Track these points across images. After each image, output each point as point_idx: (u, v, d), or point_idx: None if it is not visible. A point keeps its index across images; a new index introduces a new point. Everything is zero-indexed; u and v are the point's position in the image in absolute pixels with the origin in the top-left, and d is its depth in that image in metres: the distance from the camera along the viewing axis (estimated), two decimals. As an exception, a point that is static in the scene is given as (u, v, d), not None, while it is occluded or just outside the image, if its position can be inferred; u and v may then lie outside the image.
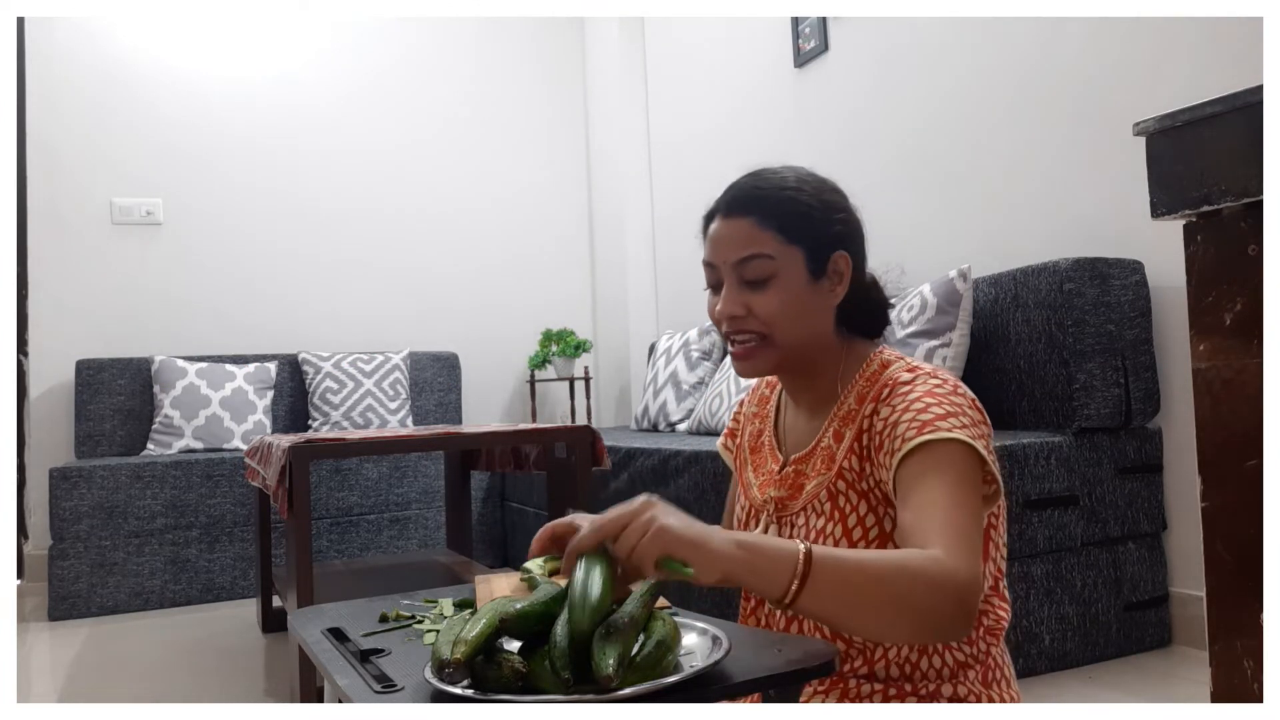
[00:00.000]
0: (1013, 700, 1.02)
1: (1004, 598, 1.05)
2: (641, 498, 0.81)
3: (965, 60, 2.89)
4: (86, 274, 4.04)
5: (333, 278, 4.48)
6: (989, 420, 0.99)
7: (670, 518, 0.78)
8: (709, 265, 1.06)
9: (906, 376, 0.99)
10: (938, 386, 0.96)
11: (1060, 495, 2.16)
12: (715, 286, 1.06)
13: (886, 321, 1.11)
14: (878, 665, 0.99)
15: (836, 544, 0.98)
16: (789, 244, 1.01)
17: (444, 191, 4.72)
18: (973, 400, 0.97)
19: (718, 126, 4.16)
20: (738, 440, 1.22)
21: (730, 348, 1.05)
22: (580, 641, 0.74)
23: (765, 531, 1.06)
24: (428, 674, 0.77)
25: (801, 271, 1.02)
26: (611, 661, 0.71)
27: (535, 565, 1.02)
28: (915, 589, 0.79)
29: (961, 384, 0.99)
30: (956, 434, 0.90)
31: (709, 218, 1.08)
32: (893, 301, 1.13)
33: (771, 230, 1.01)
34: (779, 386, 1.18)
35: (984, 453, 0.92)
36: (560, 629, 0.76)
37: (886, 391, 0.99)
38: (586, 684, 0.72)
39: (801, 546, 0.79)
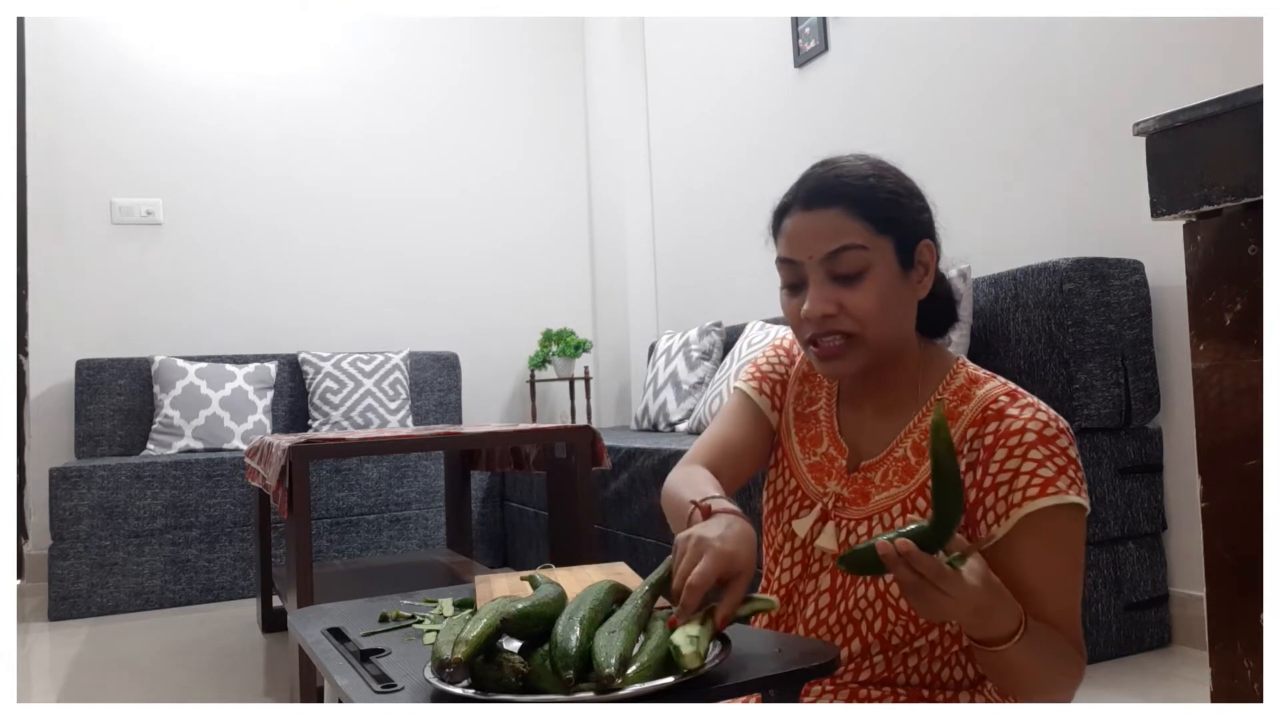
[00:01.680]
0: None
1: None
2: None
3: (965, 60, 2.89)
4: (86, 274, 4.04)
5: (333, 278, 4.48)
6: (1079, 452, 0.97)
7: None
8: (788, 263, 0.99)
9: (1011, 406, 0.94)
10: (1045, 428, 0.92)
11: (1060, 495, 2.16)
12: (794, 286, 0.99)
13: (956, 318, 1.06)
14: (897, 672, 0.98)
15: None
16: (879, 234, 0.95)
17: (444, 192, 4.72)
18: (1070, 437, 0.94)
19: (718, 126, 4.16)
20: (781, 396, 1.12)
21: (814, 348, 0.98)
22: (581, 641, 0.74)
23: (820, 526, 1.01)
24: (428, 673, 0.77)
25: (893, 263, 0.96)
26: (613, 661, 0.71)
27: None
28: (1070, 677, 0.91)
29: (1060, 418, 0.95)
30: (1074, 498, 0.90)
31: (781, 213, 1.01)
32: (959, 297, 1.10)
33: (861, 220, 0.95)
34: None
35: (1088, 506, 0.93)
36: (561, 629, 0.76)
37: (994, 423, 0.94)
38: (587, 683, 0.72)
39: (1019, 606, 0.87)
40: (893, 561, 0.78)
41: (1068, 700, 0.92)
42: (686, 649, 0.75)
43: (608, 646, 0.73)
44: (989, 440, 0.93)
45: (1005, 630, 0.85)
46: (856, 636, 0.99)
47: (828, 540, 1.00)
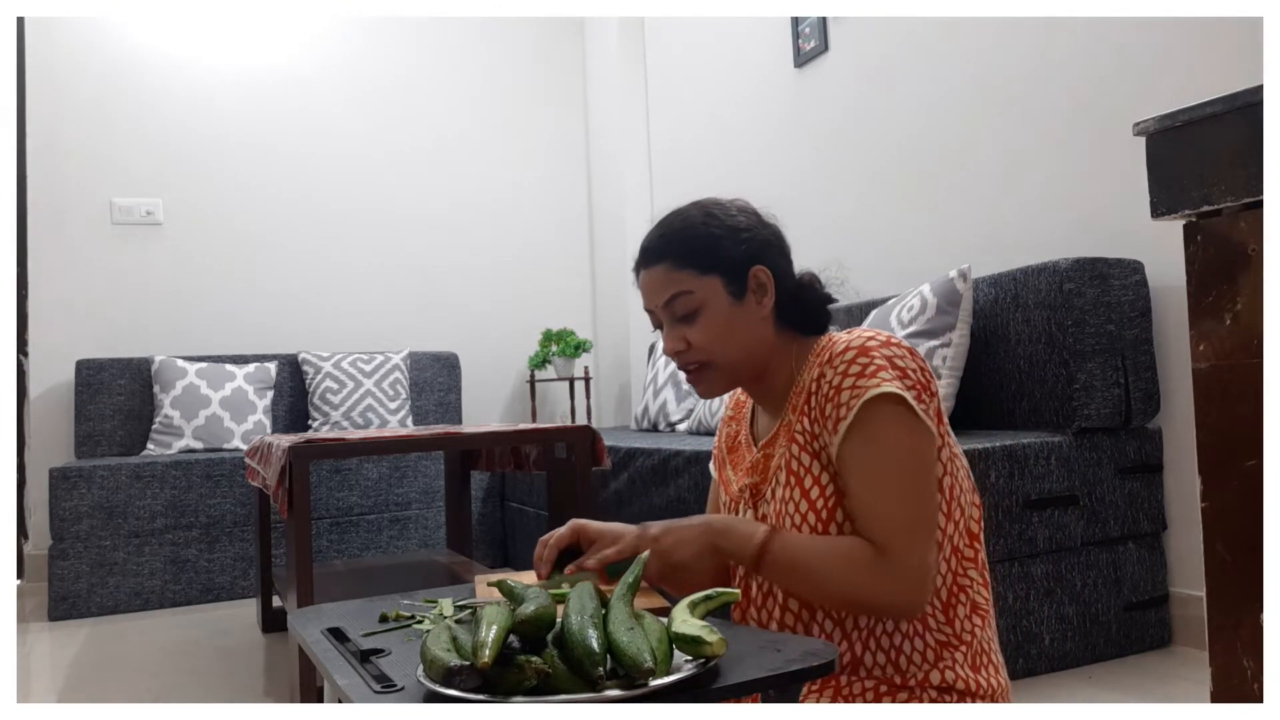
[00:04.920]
0: (1001, 686, 1.03)
1: (982, 571, 1.06)
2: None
3: (965, 60, 2.89)
4: (86, 274, 4.04)
5: (333, 278, 4.48)
6: (928, 369, 1.04)
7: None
8: (648, 310, 1.16)
9: (844, 337, 1.05)
10: (868, 342, 1.02)
11: (1060, 495, 2.16)
12: (658, 327, 1.16)
13: (828, 315, 1.16)
14: (862, 655, 1.01)
15: (797, 506, 1.03)
16: (704, 275, 1.09)
17: (444, 191, 4.72)
18: (905, 350, 1.02)
19: (718, 126, 4.16)
20: (719, 448, 1.28)
21: (685, 375, 1.15)
22: (602, 640, 0.75)
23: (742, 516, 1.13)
24: (421, 677, 0.77)
25: (723, 296, 1.10)
26: (647, 655, 0.73)
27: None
28: (859, 586, 0.96)
29: (894, 336, 1.04)
30: (886, 387, 0.97)
31: (635, 270, 1.16)
32: (836, 297, 1.17)
33: (687, 268, 1.10)
34: None
35: (913, 403, 0.98)
36: (578, 628, 0.76)
37: (825, 354, 1.05)
38: (614, 680, 0.73)
39: (764, 527, 1.00)
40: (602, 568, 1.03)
41: (868, 606, 0.98)
42: (710, 636, 0.78)
43: (636, 643, 0.74)
44: (825, 370, 1.04)
45: (747, 546, 1.00)
46: (815, 624, 1.04)
47: None
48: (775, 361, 1.13)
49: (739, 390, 1.27)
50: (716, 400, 3.14)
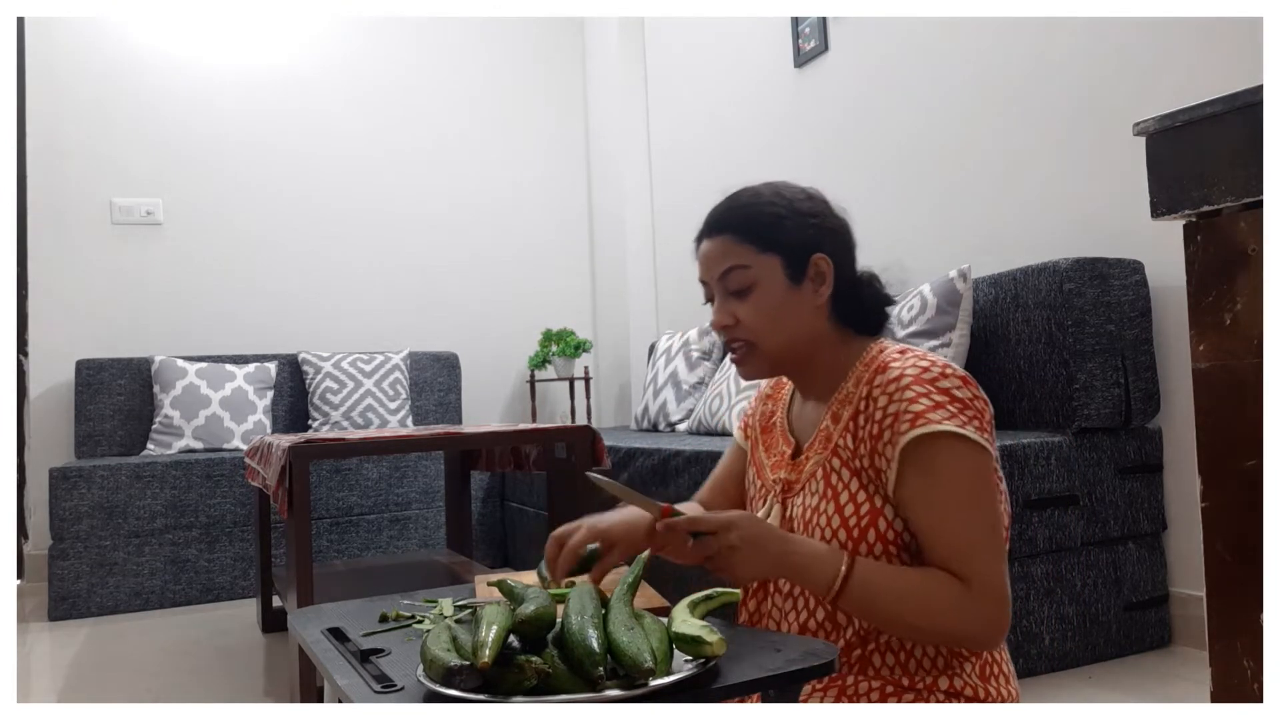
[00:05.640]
0: (1010, 696, 1.03)
1: None
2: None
3: (965, 60, 2.89)
4: (86, 274, 4.04)
5: (333, 278, 4.48)
6: (984, 395, 1.02)
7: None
8: (702, 282, 1.14)
9: (896, 360, 1.03)
10: (924, 372, 0.99)
11: (1060, 495, 2.16)
12: (710, 300, 1.14)
13: (885, 316, 1.14)
14: (872, 655, 1.00)
15: (829, 520, 1.02)
16: (764, 253, 1.08)
17: (444, 191, 4.72)
18: (964, 380, 1.00)
19: (718, 126, 4.16)
20: (751, 421, 1.27)
21: (730, 354, 1.12)
22: (602, 640, 0.76)
23: (768, 511, 1.12)
24: (421, 677, 0.77)
25: (779, 277, 1.08)
26: (647, 655, 0.73)
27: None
28: (948, 618, 0.93)
29: (951, 365, 1.02)
30: (950, 426, 0.95)
31: (697, 240, 1.15)
32: (895, 298, 1.15)
33: (747, 243, 1.08)
34: None
35: (974, 435, 0.96)
36: (578, 629, 0.76)
37: (879, 375, 1.02)
38: (614, 680, 0.73)
39: (844, 558, 0.95)
40: (662, 538, 0.98)
41: (954, 639, 0.95)
42: (711, 636, 0.78)
43: (636, 643, 0.74)
44: (876, 392, 1.02)
45: (824, 579, 0.95)
46: (828, 620, 1.02)
47: (773, 523, 1.07)
48: (823, 355, 1.10)
49: (766, 388, 1.27)
50: (717, 400, 3.13)
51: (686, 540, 0.96)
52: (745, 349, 1.09)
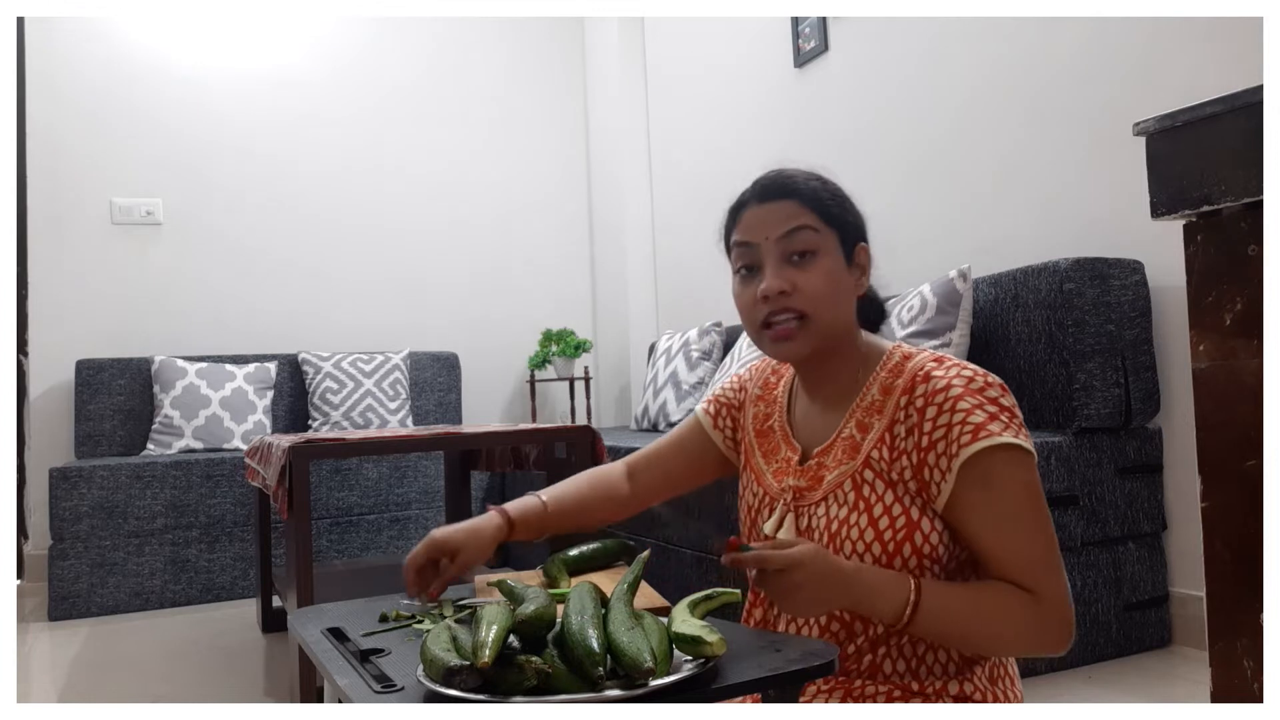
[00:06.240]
0: (1015, 698, 1.03)
1: None
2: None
3: (965, 60, 2.89)
4: (86, 274, 4.04)
5: (333, 278, 4.48)
6: (1016, 403, 1.01)
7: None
8: (744, 245, 1.05)
9: (937, 369, 1.00)
10: (971, 381, 0.98)
11: (1060, 495, 2.16)
12: (750, 269, 1.05)
13: (884, 316, 1.15)
14: (883, 662, 0.99)
15: (862, 533, 0.99)
16: (827, 225, 1.04)
17: (444, 191, 4.72)
18: (1003, 389, 0.99)
19: (718, 126, 4.16)
20: (738, 420, 1.21)
21: (768, 330, 1.03)
22: (602, 640, 0.76)
23: (781, 520, 1.07)
24: (421, 677, 0.77)
25: (839, 253, 1.04)
26: (647, 655, 0.73)
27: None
28: (1021, 631, 0.93)
29: (989, 374, 1.00)
30: (1010, 438, 0.94)
31: (738, 209, 1.08)
32: (886, 300, 1.17)
33: (813, 210, 1.03)
34: (786, 375, 1.18)
35: (1022, 443, 0.95)
36: (578, 629, 0.76)
37: (922, 385, 0.99)
38: (614, 680, 0.73)
39: (911, 584, 0.92)
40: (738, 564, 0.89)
41: (1027, 651, 0.95)
42: (710, 636, 0.77)
43: (636, 643, 0.74)
44: (920, 402, 0.98)
45: (893, 609, 0.92)
46: (843, 629, 1.01)
47: (787, 532, 1.05)
48: (848, 350, 1.07)
49: (769, 370, 1.21)
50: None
51: (749, 575, 0.91)
52: (796, 322, 1.01)
